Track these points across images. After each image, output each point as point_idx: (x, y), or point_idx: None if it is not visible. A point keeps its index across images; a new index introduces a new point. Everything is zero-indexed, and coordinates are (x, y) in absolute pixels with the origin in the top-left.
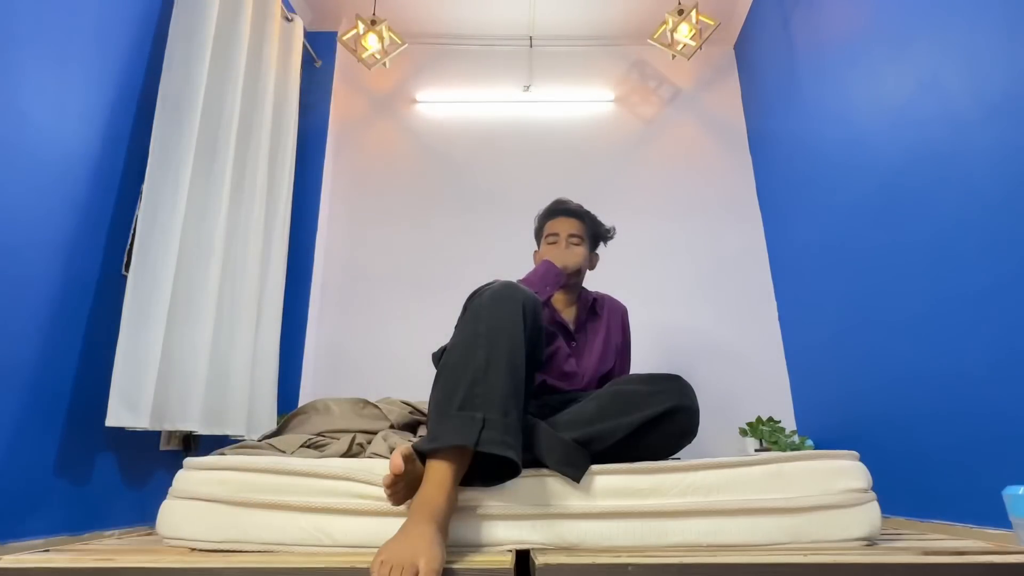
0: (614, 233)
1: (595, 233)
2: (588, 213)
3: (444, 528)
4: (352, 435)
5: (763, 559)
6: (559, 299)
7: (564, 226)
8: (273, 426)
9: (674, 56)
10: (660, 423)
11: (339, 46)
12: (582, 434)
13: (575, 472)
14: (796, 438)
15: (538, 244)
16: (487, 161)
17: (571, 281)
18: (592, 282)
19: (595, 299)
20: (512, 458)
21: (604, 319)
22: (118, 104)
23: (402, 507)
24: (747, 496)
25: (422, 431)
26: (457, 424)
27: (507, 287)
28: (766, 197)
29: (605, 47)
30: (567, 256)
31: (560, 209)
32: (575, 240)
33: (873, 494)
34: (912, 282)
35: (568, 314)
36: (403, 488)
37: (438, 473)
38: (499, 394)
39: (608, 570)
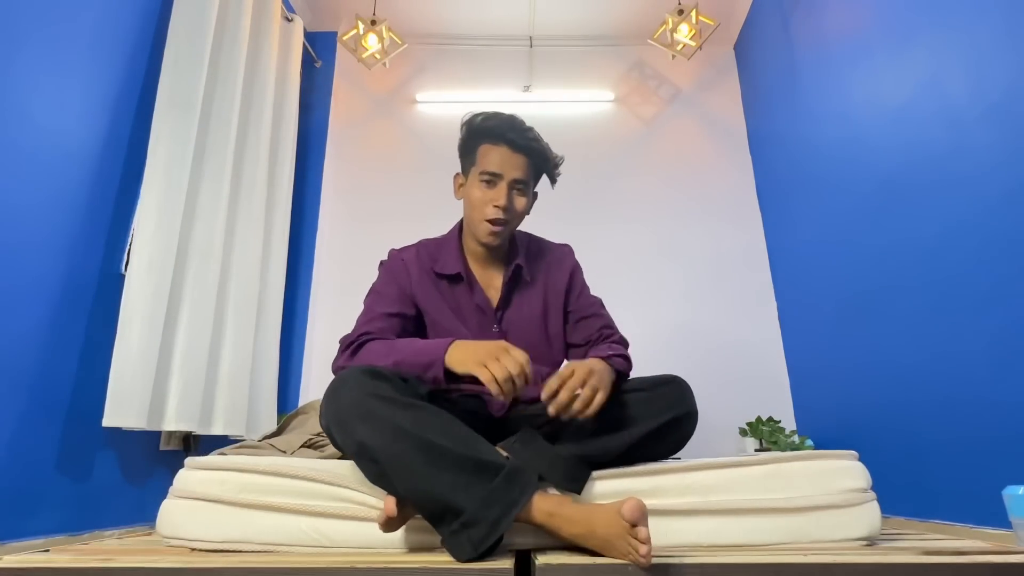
0: (561, 161)
1: (541, 170)
2: (538, 144)
3: None
4: None
5: (763, 559)
6: (481, 260)
7: (510, 165)
8: (273, 426)
9: (674, 56)
10: (662, 433)
11: (339, 46)
12: (582, 450)
13: (577, 486)
14: (796, 438)
15: (463, 166)
16: None
17: (496, 243)
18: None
19: (520, 265)
20: (512, 517)
21: (539, 286)
22: (118, 104)
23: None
24: (747, 496)
25: None
26: (453, 544)
27: (339, 411)
28: (766, 197)
29: (605, 47)
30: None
31: (509, 138)
32: (519, 188)
33: (873, 494)
34: (912, 282)
35: (493, 280)
36: (398, 522)
37: None
38: (448, 490)
39: (608, 570)
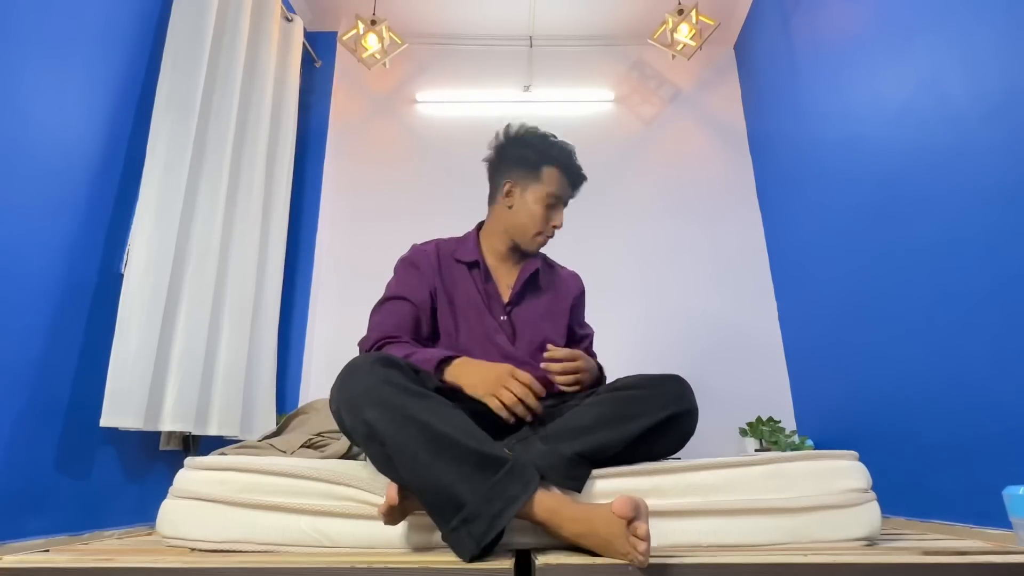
0: None
1: None
2: None
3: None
4: None
5: (763, 559)
6: (496, 258)
7: (569, 192)
8: (272, 426)
9: (674, 56)
10: (662, 430)
11: (339, 46)
12: (582, 447)
13: (577, 484)
14: (796, 438)
15: (518, 176)
16: None
17: (537, 251)
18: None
19: (537, 270)
20: (513, 513)
21: (550, 294)
22: (117, 104)
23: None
24: (747, 496)
25: None
26: (455, 541)
27: (351, 396)
28: (766, 197)
29: (605, 47)
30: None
31: (573, 171)
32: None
33: (873, 494)
34: (912, 282)
35: (505, 277)
36: (399, 513)
37: None
38: (451, 481)
39: (608, 570)
